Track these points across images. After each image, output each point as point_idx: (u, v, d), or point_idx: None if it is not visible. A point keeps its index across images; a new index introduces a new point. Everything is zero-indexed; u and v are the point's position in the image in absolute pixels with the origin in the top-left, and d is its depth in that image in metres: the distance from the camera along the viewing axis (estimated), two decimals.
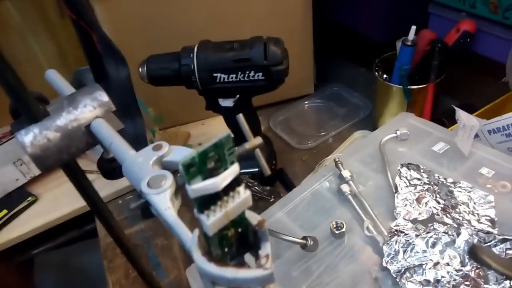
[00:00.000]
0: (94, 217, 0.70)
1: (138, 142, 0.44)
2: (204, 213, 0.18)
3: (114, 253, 0.67)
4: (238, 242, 0.21)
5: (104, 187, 0.74)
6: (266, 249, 0.20)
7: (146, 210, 0.36)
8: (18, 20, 0.85)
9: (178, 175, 0.24)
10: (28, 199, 0.77)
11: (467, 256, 0.40)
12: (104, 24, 0.70)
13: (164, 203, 0.22)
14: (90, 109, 0.30)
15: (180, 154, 0.27)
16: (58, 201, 0.77)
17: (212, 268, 0.19)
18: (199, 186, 0.17)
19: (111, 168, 0.34)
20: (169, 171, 0.25)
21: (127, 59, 0.46)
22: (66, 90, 0.33)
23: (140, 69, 0.60)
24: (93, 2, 0.68)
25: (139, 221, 0.72)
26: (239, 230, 0.20)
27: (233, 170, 0.18)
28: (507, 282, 0.36)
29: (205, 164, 0.17)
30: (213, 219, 0.18)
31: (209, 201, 0.18)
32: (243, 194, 0.19)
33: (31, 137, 0.28)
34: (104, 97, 0.31)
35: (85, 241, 0.80)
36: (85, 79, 0.69)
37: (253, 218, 0.20)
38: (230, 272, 0.18)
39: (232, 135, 0.18)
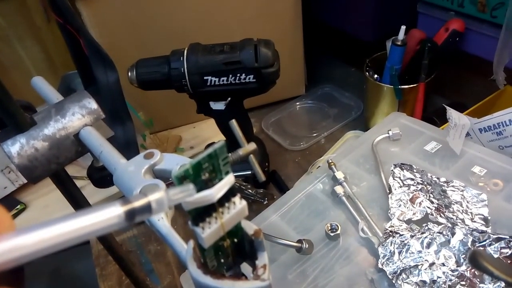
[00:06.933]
0: None
1: (128, 148, 0.43)
2: (199, 225, 0.17)
3: (106, 260, 0.66)
4: (234, 252, 0.20)
5: (95, 193, 0.73)
6: (263, 259, 0.20)
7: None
8: (3, 25, 0.83)
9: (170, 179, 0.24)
10: (17, 207, 0.75)
11: (463, 256, 0.40)
12: (91, 28, 0.69)
13: None
14: (79, 117, 0.29)
15: (172, 161, 0.26)
16: (48, 208, 0.75)
17: (209, 281, 0.18)
18: (194, 198, 0.16)
19: (101, 176, 0.33)
20: (162, 180, 0.25)
21: (115, 63, 0.45)
22: (54, 97, 0.32)
23: (129, 73, 0.59)
24: (80, 6, 0.67)
25: (132, 227, 0.71)
26: (235, 240, 0.20)
27: (228, 180, 0.17)
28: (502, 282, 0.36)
29: (199, 175, 0.16)
30: (208, 232, 0.17)
31: (204, 213, 0.17)
32: (239, 204, 0.18)
33: (18, 147, 0.27)
34: (92, 104, 0.30)
35: (77, 248, 0.78)
36: (74, 84, 0.68)
37: (249, 227, 0.20)
38: (226, 284, 0.18)
39: (226, 144, 0.17)
